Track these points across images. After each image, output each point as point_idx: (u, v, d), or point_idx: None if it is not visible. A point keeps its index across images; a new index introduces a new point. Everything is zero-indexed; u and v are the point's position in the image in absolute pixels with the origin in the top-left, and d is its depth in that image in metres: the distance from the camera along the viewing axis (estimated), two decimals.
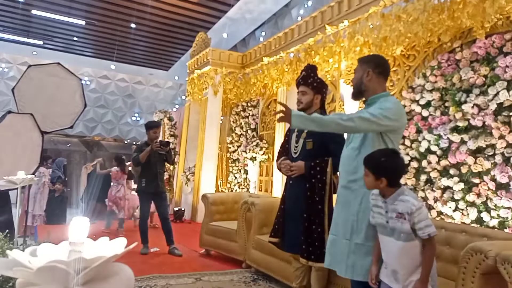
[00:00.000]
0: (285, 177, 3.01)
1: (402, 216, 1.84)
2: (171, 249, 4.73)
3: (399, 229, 1.86)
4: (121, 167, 6.53)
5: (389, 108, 2.06)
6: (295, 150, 2.80)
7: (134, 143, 14.17)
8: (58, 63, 5.11)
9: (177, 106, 14.30)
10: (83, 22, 9.88)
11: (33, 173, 4.43)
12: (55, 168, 7.59)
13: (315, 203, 2.58)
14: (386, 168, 1.90)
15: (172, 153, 4.73)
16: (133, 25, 9.97)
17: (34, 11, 9.28)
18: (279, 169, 2.95)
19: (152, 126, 4.90)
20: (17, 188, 3.68)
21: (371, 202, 2.02)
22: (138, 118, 14.67)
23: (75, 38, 11.11)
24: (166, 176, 8.70)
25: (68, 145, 14.15)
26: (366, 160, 1.97)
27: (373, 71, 2.20)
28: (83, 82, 5.30)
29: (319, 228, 2.54)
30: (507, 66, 3.17)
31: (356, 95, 2.33)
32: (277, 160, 3.00)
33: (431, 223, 1.84)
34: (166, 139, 8.86)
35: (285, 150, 2.97)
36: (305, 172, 2.65)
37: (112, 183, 6.54)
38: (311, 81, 2.80)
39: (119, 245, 1.10)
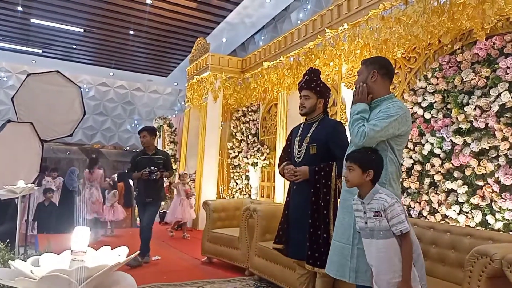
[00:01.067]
0: (287, 183, 2.98)
1: (379, 214, 1.87)
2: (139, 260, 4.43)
3: (377, 228, 1.88)
4: (90, 167, 6.65)
5: (391, 116, 2.03)
6: (298, 154, 2.75)
7: (134, 150, 14.16)
8: (57, 71, 5.11)
9: (176, 112, 14.32)
10: (81, 30, 9.91)
11: (33, 182, 4.41)
12: (71, 178, 7.70)
13: (320, 209, 2.54)
14: (372, 160, 1.95)
15: (164, 170, 4.64)
16: (131, 32, 10.01)
17: (33, 20, 9.31)
18: (282, 175, 2.91)
19: (139, 131, 4.87)
20: (17, 198, 3.65)
21: (353, 207, 2.04)
22: (137, 125, 14.67)
23: (74, 46, 11.14)
24: (166, 183, 8.70)
25: (67, 153, 14.13)
26: (350, 156, 2.00)
27: (378, 72, 2.16)
28: (81, 89, 5.26)
29: (325, 233, 2.51)
30: (508, 67, 3.16)
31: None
32: (279, 165, 2.96)
33: (403, 219, 1.85)
34: (165, 149, 8.84)
35: (287, 154, 2.94)
36: (309, 177, 2.62)
37: (85, 185, 6.61)
38: (314, 85, 2.76)
39: (121, 253, 1.07)
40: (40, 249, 4.71)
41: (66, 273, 0.87)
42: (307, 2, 7.90)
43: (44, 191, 7.13)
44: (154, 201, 4.73)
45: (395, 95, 4.10)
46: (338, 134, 2.67)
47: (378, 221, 1.88)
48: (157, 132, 5.02)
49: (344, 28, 4.82)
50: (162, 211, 8.42)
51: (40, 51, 11.50)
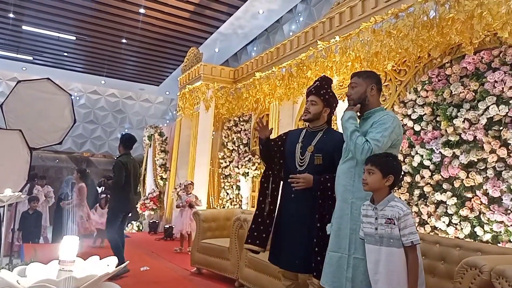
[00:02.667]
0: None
1: (391, 222, 1.86)
2: None
3: (388, 236, 1.87)
4: (85, 181, 6.47)
5: (387, 127, 2.14)
6: (301, 162, 2.64)
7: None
8: (48, 79, 5.07)
9: (168, 121, 14.27)
10: (73, 38, 9.87)
11: (21, 190, 4.34)
12: (64, 185, 7.56)
13: (325, 221, 2.46)
14: (394, 166, 1.95)
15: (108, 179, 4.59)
16: (124, 40, 10.00)
17: (24, 27, 9.26)
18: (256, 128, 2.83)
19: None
20: (3, 206, 3.59)
21: (361, 213, 2.03)
22: None
23: (66, 54, 11.09)
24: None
25: (56, 161, 13.96)
26: (372, 159, 2.00)
27: (376, 87, 2.30)
28: (72, 97, 5.21)
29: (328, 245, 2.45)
30: (496, 81, 3.22)
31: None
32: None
33: (415, 231, 1.85)
34: (156, 158, 8.77)
35: (276, 145, 2.82)
36: (313, 186, 2.54)
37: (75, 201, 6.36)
38: (323, 93, 2.69)
39: (110, 264, 1.06)
40: (26, 259, 4.63)
41: (54, 284, 0.85)
42: (299, 14, 7.99)
43: (29, 200, 7.01)
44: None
45: (385, 107, 4.17)
46: None
47: (390, 229, 1.86)
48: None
49: (336, 41, 4.88)
50: (152, 221, 8.33)
51: (31, 58, 11.42)
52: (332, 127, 2.86)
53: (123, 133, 5.23)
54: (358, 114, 2.40)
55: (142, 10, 8.38)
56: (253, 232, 2.74)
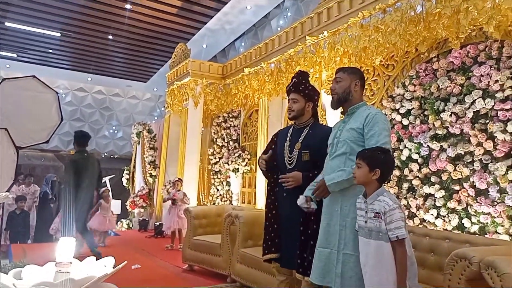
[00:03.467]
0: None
1: (379, 216, 1.89)
2: None
3: (376, 229, 1.90)
4: None
5: (385, 127, 2.22)
6: (289, 160, 2.66)
7: (112, 156, 13.91)
8: (33, 76, 4.97)
9: (156, 118, 14.17)
10: (58, 34, 9.71)
11: (7, 190, 4.27)
12: (44, 184, 7.43)
13: (314, 218, 2.48)
14: (381, 160, 1.97)
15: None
16: (110, 37, 9.87)
17: (8, 24, 9.07)
18: (259, 166, 2.83)
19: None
20: None
21: (356, 206, 2.06)
22: (116, 131, 14.43)
23: (50, 50, 10.90)
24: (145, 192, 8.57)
25: (42, 160, 13.77)
26: (361, 153, 2.03)
27: (360, 83, 2.35)
28: (58, 95, 5.12)
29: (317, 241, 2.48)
30: (482, 75, 3.27)
31: (339, 104, 2.38)
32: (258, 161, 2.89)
33: (402, 225, 1.87)
34: (145, 155, 8.70)
35: (273, 153, 2.84)
36: (302, 183, 2.55)
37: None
38: (302, 88, 2.71)
39: (107, 264, 1.05)
40: (15, 259, 4.56)
41: (52, 286, 0.85)
42: (287, 9, 7.98)
43: (16, 199, 6.90)
44: None
45: (373, 101, 4.22)
46: None
47: (378, 223, 1.89)
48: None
49: (324, 36, 4.89)
50: (142, 219, 8.29)
51: (15, 55, 11.21)
52: (320, 119, 2.87)
53: (76, 130, 5.16)
54: (342, 110, 2.44)
55: (128, 6, 8.28)
56: (267, 242, 2.75)
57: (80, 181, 4.47)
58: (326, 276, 2.17)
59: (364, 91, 2.52)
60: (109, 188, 6.81)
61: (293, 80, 2.78)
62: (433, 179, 3.57)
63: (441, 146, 3.52)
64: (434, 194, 3.54)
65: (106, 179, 6.79)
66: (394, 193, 3.88)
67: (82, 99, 13.83)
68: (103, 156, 13.97)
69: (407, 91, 3.90)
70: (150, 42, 10.12)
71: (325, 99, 4.96)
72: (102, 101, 14.15)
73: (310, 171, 2.55)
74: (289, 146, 2.71)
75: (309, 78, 2.84)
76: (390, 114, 4.00)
